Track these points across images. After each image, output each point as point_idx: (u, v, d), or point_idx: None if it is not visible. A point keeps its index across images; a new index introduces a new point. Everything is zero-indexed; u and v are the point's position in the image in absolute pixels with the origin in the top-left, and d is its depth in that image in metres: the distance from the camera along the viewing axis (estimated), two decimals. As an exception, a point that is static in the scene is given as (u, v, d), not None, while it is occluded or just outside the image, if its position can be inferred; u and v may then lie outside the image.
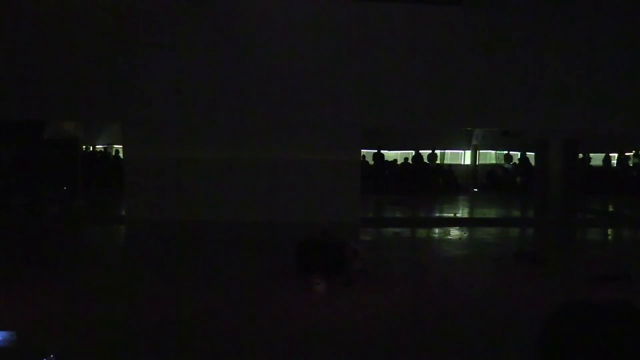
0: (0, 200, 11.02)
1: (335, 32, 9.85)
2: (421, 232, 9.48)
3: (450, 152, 20.15)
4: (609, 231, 10.32)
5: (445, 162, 19.85)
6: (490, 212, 12.69)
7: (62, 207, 11.80)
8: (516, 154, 19.49)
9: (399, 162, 18.84)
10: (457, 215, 11.99)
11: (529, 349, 3.65)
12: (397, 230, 9.28)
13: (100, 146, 18.79)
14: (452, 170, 19.20)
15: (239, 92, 9.71)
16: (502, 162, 19.77)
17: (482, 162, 20.09)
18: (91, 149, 18.42)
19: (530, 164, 17.84)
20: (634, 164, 17.74)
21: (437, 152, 18.96)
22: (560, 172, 12.91)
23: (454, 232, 9.09)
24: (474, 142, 19.68)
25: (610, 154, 18.49)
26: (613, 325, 0.93)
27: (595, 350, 0.91)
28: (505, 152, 19.55)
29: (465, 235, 8.84)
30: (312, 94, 9.76)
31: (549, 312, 0.97)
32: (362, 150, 12.10)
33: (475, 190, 18.34)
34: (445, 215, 11.99)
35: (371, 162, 18.03)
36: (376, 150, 18.00)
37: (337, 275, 5.22)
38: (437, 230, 9.44)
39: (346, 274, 5.33)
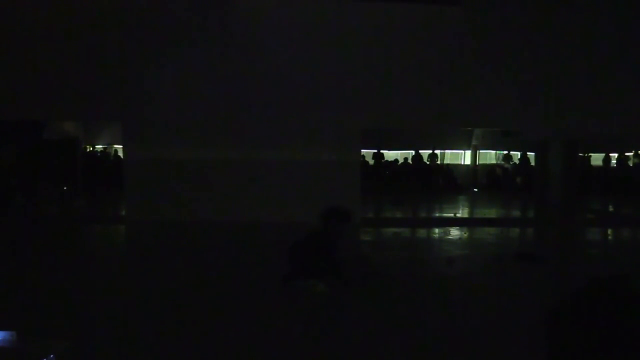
0: (0, 200, 11.02)
1: (335, 32, 9.84)
2: (421, 232, 9.48)
3: (450, 152, 20.13)
4: (609, 231, 10.32)
5: (445, 162, 19.83)
6: (490, 212, 12.68)
7: (62, 207, 11.81)
8: (516, 154, 19.47)
9: (399, 162, 18.83)
10: (457, 215, 11.98)
11: (528, 348, 3.65)
12: (398, 230, 9.28)
13: (100, 146, 18.77)
14: (452, 170, 19.18)
15: (239, 92, 9.70)
16: (502, 162, 19.75)
17: (482, 162, 20.07)
18: (91, 149, 18.41)
19: (530, 164, 17.83)
20: (634, 164, 17.72)
21: (437, 152, 18.94)
22: (560, 172, 12.90)
23: (454, 232, 9.09)
24: (474, 142, 19.67)
25: (610, 154, 18.47)
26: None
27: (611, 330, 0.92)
28: (505, 152, 19.54)
29: (466, 235, 8.84)
30: (312, 94, 9.75)
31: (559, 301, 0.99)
32: (362, 150, 12.10)
33: (475, 190, 18.33)
34: (446, 215, 11.98)
35: (371, 162, 18.02)
36: (376, 150, 17.99)
37: (337, 277, 5.18)
38: (437, 230, 9.44)
39: (347, 275, 5.30)
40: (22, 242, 7.87)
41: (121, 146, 11.94)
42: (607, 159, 18.47)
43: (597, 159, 18.48)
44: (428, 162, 18.46)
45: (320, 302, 4.77)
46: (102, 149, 18.59)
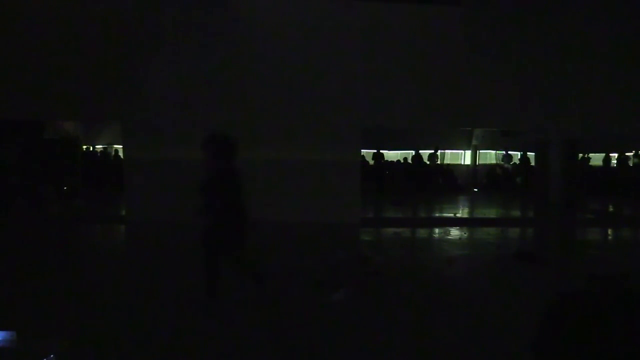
0: (1, 200, 11.02)
1: (335, 32, 9.84)
2: (422, 232, 9.47)
3: (450, 152, 20.14)
4: (609, 231, 10.32)
5: (445, 162, 19.84)
6: (491, 212, 12.68)
7: (62, 207, 11.81)
8: (516, 154, 19.48)
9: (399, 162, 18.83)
10: (458, 215, 11.97)
11: (527, 347, 3.66)
12: (398, 230, 9.27)
13: (100, 146, 18.77)
14: (452, 170, 19.19)
15: (238, 92, 9.71)
16: (502, 162, 19.76)
17: (482, 162, 20.08)
18: (91, 149, 18.41)
19: (530, 164, 17.83)
20: (634, 164, 17.72)
21: (437, 152, 18.94)
22: (560, 172, 12.91)
23: (455, 232, 9.09)
24: (474, 142, 19.68)
25: (610, 154, 18.47)
26: (611, 313, 0.96)
27: (595, 336, 0.94)
28: (505, 152, 19.55)
29: (466, 235, 8.84)
30: (312, 94, 9.76)
31: (547, 302, 1.00)
32: (362, 150, 12.10)
33: (475, 190, 18.33)
34: (446, 215, 11.98)
35: (371, 162, 18.03)
36: (376, 150, 17.99)
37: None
38: (437, 231, 9.44)
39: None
40: (22, 242, 7.86)
41: (121, 146, 11.95)
42: (607, 159, 18.46)
43: (597, 159, 18.47)
44: (428, 162, 18.46)
45: (320, 302, 4.77)
46: (102, 149, 18.58)
